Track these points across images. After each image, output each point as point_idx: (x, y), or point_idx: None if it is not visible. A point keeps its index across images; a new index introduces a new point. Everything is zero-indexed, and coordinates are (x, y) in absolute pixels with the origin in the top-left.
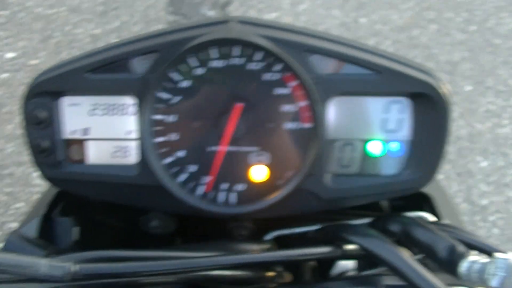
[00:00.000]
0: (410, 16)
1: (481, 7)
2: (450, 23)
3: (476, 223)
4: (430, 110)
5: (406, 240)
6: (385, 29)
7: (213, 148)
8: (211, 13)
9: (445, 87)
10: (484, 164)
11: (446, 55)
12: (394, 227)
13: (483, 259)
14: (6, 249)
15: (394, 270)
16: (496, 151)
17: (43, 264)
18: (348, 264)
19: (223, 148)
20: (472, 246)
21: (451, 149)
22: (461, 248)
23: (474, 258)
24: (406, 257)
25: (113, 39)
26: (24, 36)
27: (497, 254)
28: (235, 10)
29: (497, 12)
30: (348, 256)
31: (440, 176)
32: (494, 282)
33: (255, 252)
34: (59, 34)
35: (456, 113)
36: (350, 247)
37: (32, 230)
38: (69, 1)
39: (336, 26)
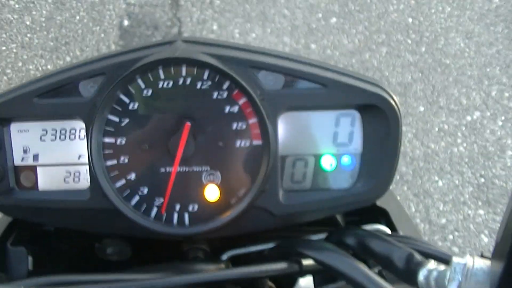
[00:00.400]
0: (360, 40)
1: (430, 28)
2: (400, 45)
3: (435, 242)
4: (380, 122)
5: (363, 252)
6: (336, 54)
7: (164, 169)
8: None
9: (395, 98)
10: (440, 183)
11: (397, 77)
12: (350, 240)
13: (440, 266)
14: None
15: (353, 283)
16: (451, 170)
17: None
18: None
19: (174, 169)
20: (429, 255)
21: (407, 170)
22: (418, 257)
23: (432, 266)
24: (364, 269)
25: None
26: None
27: (454, 259)
28: None
29: (446, 32)
30: (305, 271)
31: (397, 197)
32: (451, 287)
33: (210, 271)
34: (11, 71)
35: (410, 134)
36: (307, 262)
37: None
38: (20, 38)
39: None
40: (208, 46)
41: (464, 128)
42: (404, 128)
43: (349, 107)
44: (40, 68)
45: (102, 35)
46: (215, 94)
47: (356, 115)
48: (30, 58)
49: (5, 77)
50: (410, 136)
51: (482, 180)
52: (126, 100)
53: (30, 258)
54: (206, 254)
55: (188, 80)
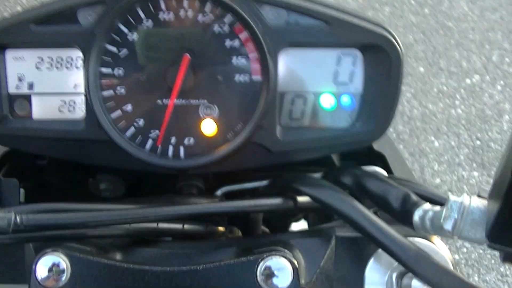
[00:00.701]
0: None
1: None
2: (403, 6)
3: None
4: (382, 62)
5: (359, 192)
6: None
7: (161, 102)
8: None
9: (397, 39)
10: (436, 144)
11: (399, 37)
12: (347, 179)
13: (436, 207)
14: None
15: (349, 221)
16: (448, 131)
17: None
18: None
19: (171, 102)
20: (426, 197)
21: (404, 129)
22: (414, 197)
23: (427, 207)
24: (361, 207)
25: None
26: None
27: (450, 197)
28: None
29: None
30: (300, 208)
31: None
32: (447, 225)
33: (202, 203)
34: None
35: (409, 93)
36: (302, 198)
37: None
38: None
39: None
40: None
41: (463, 91)
42: (403, 88)
43: (351, 46)
44: None
45: None
46: (216, 27)
47: (358, 54)
48: (29, 2)
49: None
50: (409, 96)
51: (478, 142)
52: (125, 30)
53: (22, 191)
54: (200, 191)
55: (189, 12)
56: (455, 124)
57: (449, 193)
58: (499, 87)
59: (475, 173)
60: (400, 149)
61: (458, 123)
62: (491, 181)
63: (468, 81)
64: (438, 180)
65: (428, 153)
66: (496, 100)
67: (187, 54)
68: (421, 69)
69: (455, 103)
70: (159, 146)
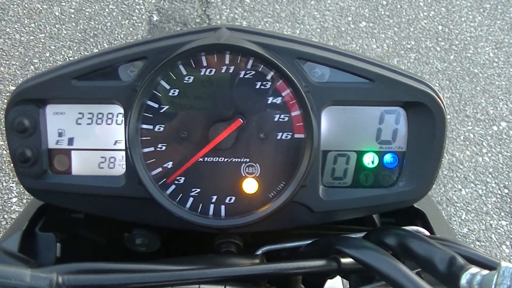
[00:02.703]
0: (389, 45)
1: (459, 36)
2: (429, 52)
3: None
4: (425, 120)
5: (402, 253)
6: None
7: (201, 159)
8: None
9: (441, 96)
10: (463, 192)
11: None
12: (390, 240)
13: (484, 271)
14: None
15: (392, 283)
16: (475, 179)
17: (28, 274)
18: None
19: (211, 159)
20: (472, 260)
21: None
22: (461, 260)
23: (475, 270)
24: (405, 269)
25: None
26: (2, 62)
27: (502, 263)
28: None
29: (475, 41)
30: (343, 269)
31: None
32: None
33: (245, 265)
34: (38, 61)
35: None
36: (346, 260)
37: (13, 244)
38: (49, 28)
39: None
40: (253, 34)
41: (489, 138)
42: None
43: (395, 104)
44: (67, 59)
45: (131, 29)
46: (258, 84)
47: (401, 112)
48: (58, 48)
49: (32, 67)
50: None
51: (506, 191)
52: (167, 86)
53: (58, 245)
54: (239, 249)
55: (231, 69)
56: (482, 172)
57: (501, 260)
58: None
59: (504, 222)
60: None
61: (485, 171)
62: None
63: (495, 128)
64: (465, 230)
65: (455, 202)
66: None
67: (240, 119)
68: (448, 116)
69: (482, 150)
70: (199, 204)
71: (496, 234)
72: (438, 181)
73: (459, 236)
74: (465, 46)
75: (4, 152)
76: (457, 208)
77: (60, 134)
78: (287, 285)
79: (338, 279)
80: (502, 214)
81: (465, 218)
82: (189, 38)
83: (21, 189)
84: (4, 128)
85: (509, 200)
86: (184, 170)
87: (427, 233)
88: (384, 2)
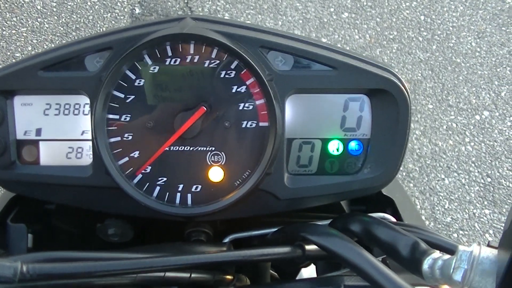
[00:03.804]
0: (371, 36)
1: (441, 26)
2: (411, 42)
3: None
4: (389, 107)
5: (368, 240)
6: (347, 49)
7: (168, 149)
8: None
9: (405, 83)
10: (446, 181)
11: (407, 74)
12: (355, 227)
13: (446, 256)
14: None
15: (357, 270)
16: (458, 168)
17: None
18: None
19: (177, 148)
20: (435, 244)
21: (414, 167)
22: (423, 246)
23: (437, 255)
24: (369, 256)
25: None
26: None
27: (460, 247)
28: None
29: (458, 31)
30: (308, 256)
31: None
32: (456, 275)
33: (212, 253)
34: (20, 55)
35: (418, 131)
36: (311, 247)
37: None
38: (31, 22)
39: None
40: (217, 24)
41: (472, 127)
42: (412, 125)
43: (359, 91)
44: None
45: (113, 22)
46: (223, 73)
47: (365, 99)
48: (40, 42)
49: (13, 61)
50: (418, 134)
51: (489, 179)
52: (132, 76)
53: (30, 236)
54: (209, 237)
55: (196, 58)
56: (465, 162)
57: (459, 244)
58: (509, 123)
59: (487, 211)
60: (411, 188)
61: (468, 160)
62: (503, 219)
63: (477, 117)
64: (449, 219)
65: (439, 191)
66: (506, 136)
67: (204, 107)
68: (430, 106)
69: (465, 140)
70: (166, 192)
71: (479, 223)
72: (421, 171)
73: (443, 225)
74: (447, 36)
75: None
76: (440, 197)
77: (28, 125)
78: (256, 273)
79: (312, 267)
80: (485, 203)
81: (448, 207)
82: (154, 28)
83: None
84: None
85: (492, 189)
86: (151, 159)
87: (393, 219)
88: None
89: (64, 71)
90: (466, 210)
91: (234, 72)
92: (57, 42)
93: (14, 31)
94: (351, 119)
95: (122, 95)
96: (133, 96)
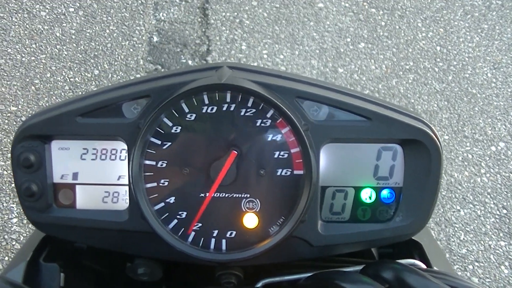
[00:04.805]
0: (387, 66)
1: (457, 57)
2: (427, 73)
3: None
4: (421, 156)
5: (399, 287)
6: (363, 79)
7: (203, 194)
8: (191, 63)
9: (437, 133)
10: (462, 213)
11: (423, 104)
12: (387, 274)
13: None
14: None
15: None
16: (473, 200)
17: None
18: None
19: (213, 195)
20: None
21: None
22: None
23: None
24: None
25: (92, 87)
26: (3, 82)
27: None
28: (214, 60)
29: (473, 62)
30: None
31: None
32: None
33: None
34: (39, 82)
35: None
36: None
37: (17, 275)
38: (50, 49)
39: (315, 75)
40: (254, 73)
41: (488, 159)
42: None
43: (392, 141)
44: (68, 80)
45: (131, 49)
46: (258, 122)
47: (398, 149)
48: (59, 69)
49: (33, 87)
50: None
51: (504, 211)
52: (169, 123)
53: (62, 275)
54: (239, 280)
55: (232, 107)
56: (481, 193)
57: None
58: None
59: (502, 243)
60: None
61: (484, 191)
62: None
63: (493, 148)
64: (464, 250)
65: (454, 222)
66: None
67: (234, 151)
68: (446, 137)
69: (481, 171)
70: (201, 238)
71: (495, 254)
72: (437, 202)
73: (458, 257)
74: (463, 67)
75: (5, 172)
76: (456, 228)
77: (65, 169)
78: None
79: None
80: (501, 234)
81: (464, 238)
82: (192, 77)
83: (21, 210)
84: (5, 150)
85: (507, 220)
86: (186, 205)
87: (423, 266)
88: (383, 23)
89: (101, 118)
90: (482, 242)
91: (269, 121)
92: (75, 69)
93: (33, 58)
94: (384, 168)
95: (159, 142)
96: (169, 143)
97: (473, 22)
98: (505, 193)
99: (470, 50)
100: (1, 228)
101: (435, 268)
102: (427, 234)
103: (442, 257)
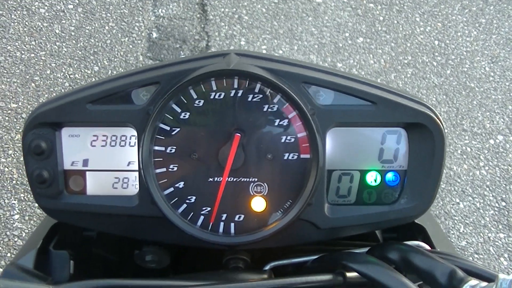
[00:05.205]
0: (386, 60)
1: (455, 51)
2: (426, 67)
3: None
4: (425, 140)
5: (405, 267)
6: (362, 73)
7: (212, 179)
8: None
9: (440, 117)
10: (461, 205)
11: (422, 98)
12: (393, 255)
13: (483, 283)
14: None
15: None
16: (473, 192)
17: None
18: None
19: (223, 180)
20: (472, 272)
21: None
22: (461, 273)
23: (475, 282)
24: (409, 283)
25: None
26: (3, 79)
27: (500, 275)
28: None
29: (471, 56)
30: (349, 284)
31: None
32: None
33: (254, 281)
34: (39, 79)
35: None
36: (351, 274)
37: (28, 262)
38: (49, 46)
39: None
40: (260, 59)
41: (486, 152)
42: None
43: (396, 125)
44: (68, 77)
45: (131, 46)
46: (265, 107)
47: (402, 132)
48: (59, 66)
49: (33, 84)
50: None
51: (503, 203)
52: (178, 109)
53: (71, 262)
54: (247, 265)
55: (240, 92)
56: (480, 186)
57: (499, 274)
58: None
59: (501, 235)
60: None
61: (483, 184)
62: None
63: (491, 141)
64: (464, 243)
65: (454, 215)
66: None
67: (238, 134)
68: (445, 130)
69: (479, 164)
70: (210, 222)
71: (494, 246)
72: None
73: (458, 249)
74: (461, 61)
75: (6, 169)
76: (455, 221)
77: (75, 156)
78: None
79: None
80: (500, 226)
81: (463, 231)
82: (200, 64)
83: (23, 206)
84: (6, 147)
85: (506, 213)
86: (195, 190)
87: (428, 247)
88: (381, 18)
89: (111, 104)
90: (481, 234)
91: (276, 106)
92: (75, 66)
93: (33, 55)
94: (389, 152)
95: (168, 128)
96: (178, 129)
97: (471, 16)
98: (504, 185)
99: (468, 44)
100: (3, 224)
101: (439, 249)
102: (430, 218)
103: (445, 240)
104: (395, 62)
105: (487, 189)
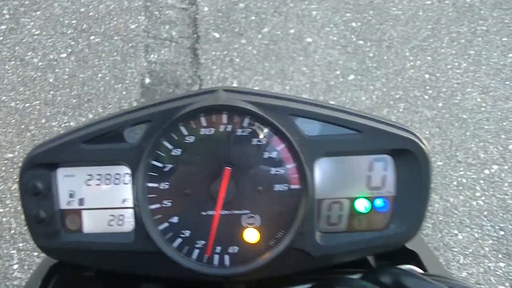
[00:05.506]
0: (378, 96)
1: (446, 83)
2: (417, 101)
3: None
4: (411, 165)
5: None
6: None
7: (205, 213)
8: None
9: (425, 143)
10: (460, 237)
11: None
12: (387, 279)
13: None
14: None
15: None
16: (470, 223)
17: None
18: None
19: (215, 213)
20: None
21: (426, 224)
22: None
23: None
24: None
25: None
26: None
27: None
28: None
29: (462, 88)
30: None
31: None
32: None
33: None
34: (34, 128)
35: None
36: None
37: None
38: (43, 95)
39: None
40: (248, 94)
41: (482, 182)
42: None
43: (382, 152)
44: (63, 125)
45: (124, 92)
46: (254, 140)
47: (389, 159)
48: (53, 115)
49: (28, 134)
50: None
51: (502, 232)
52: (170, 146)
53: None
54: None
55: (229, 127)
56: (477, 216)
57: None
58: None
59: (501, 264)
60: None
61: (480, 214)
62: None
63: (486, 171)
64: (464, 274)
65: (453, 247)
66: None
67: (228, 167)
68: (439, 163)
69: (476, 194)
70: (205, 255)
71: (495, 276)
72: (434, 228)
73: None
74: (452, 93)
75: (4, 219)
76: (455, 253)
77: (71, 195)
78: None
79: None
80: (500, 256)
81: (463, 262)
82: (189, 101)
83: (22, 256)
84: (3, 197)
85: (505, 241)
86: (189, 224)
87: (420, 271)
88: (371, 55)
89: (104, 144)
90: (481, 264)
91: (265, 139)
92: (70, 114)
93: (27, 105)
94: (376, 178)
95: (161, 165)
96: (170, 165)
97: (460, 48)
98: (501, 214)
99: (459, 76)
100: (2, 275)
101: (433, 273)
102: (421, 243)
103: (437, 264)
104: (387, 98)
105: (485, 219)
